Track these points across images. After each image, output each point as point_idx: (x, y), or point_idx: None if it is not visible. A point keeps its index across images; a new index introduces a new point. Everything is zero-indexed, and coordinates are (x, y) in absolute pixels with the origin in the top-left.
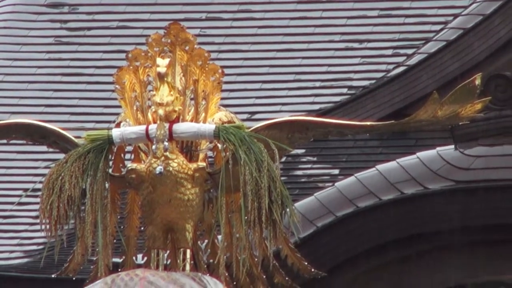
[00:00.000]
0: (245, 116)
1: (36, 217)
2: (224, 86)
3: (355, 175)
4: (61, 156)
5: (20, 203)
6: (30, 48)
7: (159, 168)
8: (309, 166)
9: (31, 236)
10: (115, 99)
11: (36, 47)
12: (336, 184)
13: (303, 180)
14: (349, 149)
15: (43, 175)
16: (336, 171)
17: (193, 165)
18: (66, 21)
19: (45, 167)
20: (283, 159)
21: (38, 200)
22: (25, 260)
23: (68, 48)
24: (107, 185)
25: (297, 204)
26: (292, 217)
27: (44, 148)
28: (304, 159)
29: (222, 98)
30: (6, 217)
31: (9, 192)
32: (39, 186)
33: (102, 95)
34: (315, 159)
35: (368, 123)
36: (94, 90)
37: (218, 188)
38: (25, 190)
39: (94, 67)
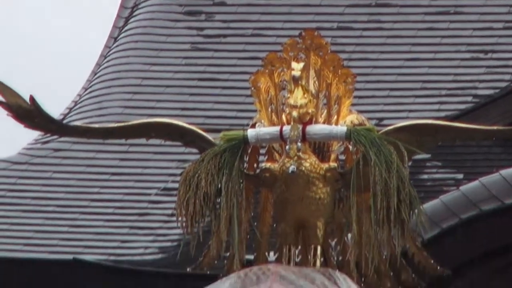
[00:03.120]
0: (373, 122)
1: (171, 215)
2: (354, 93)
3: (479, 179)
4: (194, 157)
5: (154, 202)
6: (168, 54)
7: (292, 168)
8: (434, 170)
9: (166, 233)
10: (249, 103)
11: (173, 53)
12: (460, 187)
13: (428, 184)
14: (473, 155)
15: (176, 175)
16: (461, 176)
17: (325, 165)
18: (202, 29)
19: (177, 167)
20: (409, 163)
21: (172, 199)
22: (160, 256)
23: (204, 54)
24: (242, 183)
25: (423, 207)
26: (420, 217)
27: (178, 149)
28: (429, 164)
29: (352, 104)
30: (142, 215)
31: (144, 191)
32: (172, 185)
33: (236, 100)
34: (440, 164)
35: (495, 127)
36: (228, 95)
37: (349, 187)
38: (160, 189)
39: (229, 72)
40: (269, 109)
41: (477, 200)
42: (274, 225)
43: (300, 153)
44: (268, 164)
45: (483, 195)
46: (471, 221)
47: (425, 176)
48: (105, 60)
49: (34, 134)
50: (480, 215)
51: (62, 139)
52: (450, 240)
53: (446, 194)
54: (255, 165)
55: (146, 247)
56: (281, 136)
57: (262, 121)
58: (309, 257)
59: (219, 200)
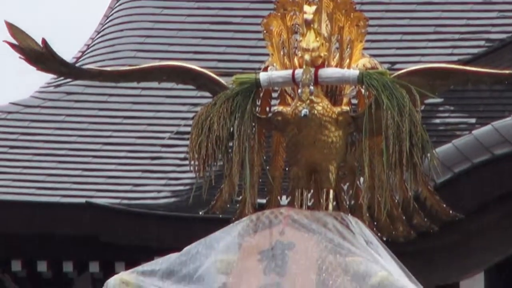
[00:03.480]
0: (385, 66)
1: (183, 158)
2: (366, 37)
3: (492, 123)
4: (207, 101)
5: (167, 145)
6: None
7: (304, 111)
8: (447, 115)
9: (178, 177)
10: (261, 47)
11: None
12: (473, 132)
13: (441, 128)
14: (485, 99)
15: (188, 118)
16: (473, 120)
17: (337, 109)
18: None
19: (189, 111)
20: (422, 108)
21: (184, 142)
22: (172, 199)
23: None
24: (254, 126)
25: (435, 151)
26: (432, 161)
27: (190, 93)
28: (442, 109)
29: (364, 48)
30: (154, 158)
31: (157, 134)
32: (185, 129)
33: (248, 43)
34: (452, 108)
35: (507, 71)
36: (241, 38)
37: (361, 131)
38: (172, 132)
39: (241, 16)
40: (281, 53)
41: (489, 144)
42: (287, 169)
43: (313, 97)
44: (281, 108)
45: (495, 140)
46: (483, 165)
47: (438, 121)
48: (118, 4)
49: (47, 77)
50: (492, 159)
51: (75, 82)
52: (463, 184)
53: (458, 138)
54: (267, 108)
55: (158, 191)
56: (293, 80)
57: (274, 64)
58: (321, 201)
59: (232, 143)
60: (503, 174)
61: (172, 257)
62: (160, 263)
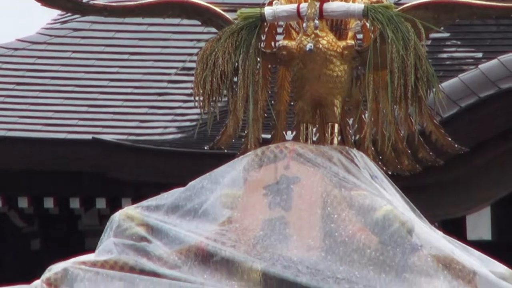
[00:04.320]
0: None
1: (190, 94)
2: None
3: (498, 58)
4: (212, 36)
5: (174, 81)
6: None
7: (309, 45)
8: (453, 49)
9: (185, 113)
10: None
11: None
12: (479, 66)
13: (447, 62)
14: (492, 34)
15: (196, 54)
16: (480, 54)
17: (342, 43)
18: None
19: (193, 47)
20: (428, 42)
21: (191, 78)
22: (179, 135)
23: None
24: (259, 61)
25: (441, 86)
26: (438, 95)
27: (196, 28)
28: (448, 43)
29: None
30: (161, 94)
31: (163, 70)
32: (192, 64)
33: None
34: (459, 42)
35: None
36: None
37: (366, 65)
38: (179, 68)
39: None
40: None
41: (495, 78)
42: (292, 104)
43: (318, 31)
44: (286, 42)
45: (501, 74)
46: (489, 100)
47: (444, 55)
48: None
49: (53, 13)
50: (498, 93)
51: (81, 19)
52: (469, 119)
53: (465, 72)
54: (272, 43)
55: (165, 127)
56: (298, 14)
57: None
58: (327, 135)
59: (236, 78)
60: (510, 108)
61: (177, 192)
62: (165, 198)
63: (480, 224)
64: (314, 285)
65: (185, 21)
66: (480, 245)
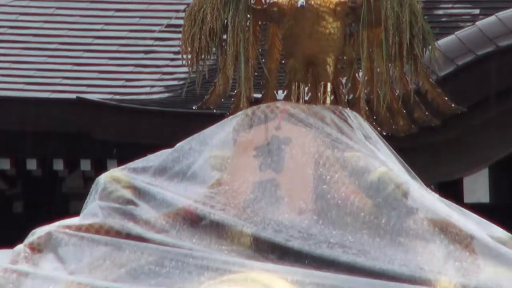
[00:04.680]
0: None
1: (177, 52)
2: None
3: (496, 14)
4: None
5: (160, 38)
6: None
7: (301, 2)
8: (450, 5)
9: (172, 72)
10: None
11: None
12: (477, 23)
13: (444, 19)
14: None
15: (181, 11)
16: (477, 11)
17: None
18: None
19: (180, 3)
20: None
21: (178, 36)
22: (166, 94)
23: None
24: (249, 17)
25: (438, 43)
26: (434, 53)
27: None
28: None
29: None
30: (147, 52)
31: (150, 27)
32: (178, 21)
33: None
34: None
35: None
36: None
37: (360, 22)
38: (165, 25)
39: None
40: None
41: (493, 35)
42: (283, 62)
43: None
44: None
45: (500, 31)
46: (487, 58)
47: (441, 12)
48: None
49: None
50: (496, 51)
51: None
52: (466, 77)
53: (461, 30)
54: None
55: (151, 86)
56: None
57: None
58: (319, 94)
59: (226, 35)
60: (508, 67)
61: (165, 153)
62: (152, 159)
63: (478, 186)
64: (306, 250)
65: None
66: (477, 208)
